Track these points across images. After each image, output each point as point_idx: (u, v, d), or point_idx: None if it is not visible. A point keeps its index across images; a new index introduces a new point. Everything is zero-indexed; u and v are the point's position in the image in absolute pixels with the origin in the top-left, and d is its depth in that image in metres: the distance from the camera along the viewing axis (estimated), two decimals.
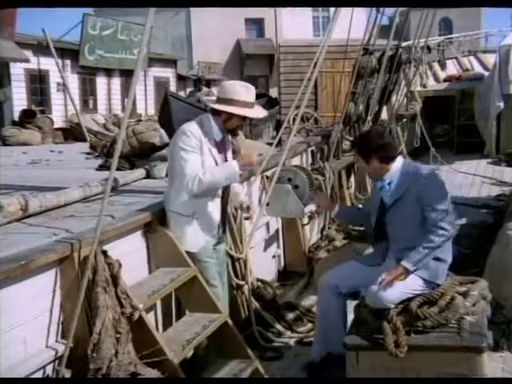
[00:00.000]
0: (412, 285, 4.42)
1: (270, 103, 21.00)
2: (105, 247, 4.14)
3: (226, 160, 4.84)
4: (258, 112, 4.90)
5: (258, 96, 23.42)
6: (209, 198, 4.80)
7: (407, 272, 4.39)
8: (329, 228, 8.55)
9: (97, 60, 21.42)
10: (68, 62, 20.61)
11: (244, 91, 4.71)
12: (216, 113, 4.74)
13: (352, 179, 10.55)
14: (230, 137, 4.98)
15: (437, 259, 4.49)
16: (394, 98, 13.17)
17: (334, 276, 4.84)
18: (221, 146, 4.81)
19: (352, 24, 9.35)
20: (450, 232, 4.45)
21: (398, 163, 4.67)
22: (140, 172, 7.37)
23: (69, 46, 20.55)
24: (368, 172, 4.99)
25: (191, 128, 4.67)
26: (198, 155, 4.62)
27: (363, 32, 10.84)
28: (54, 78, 19.72)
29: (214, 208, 4.86)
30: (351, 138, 9.83)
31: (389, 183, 4.65)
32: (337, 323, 4.84)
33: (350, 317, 4.69)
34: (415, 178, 4.56)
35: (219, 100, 4.73)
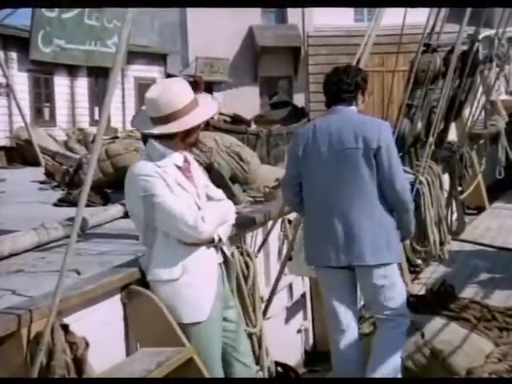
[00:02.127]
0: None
1: (294, 115, 21.10)
2: (66, 319, 4.12)
3: (195, 185, 4.91)
4: (212, 106, 5.02)
5: (278, 105, 23.60)
6: (199, 248, 4.82)
7: None
8: None
9: (55, 53, 21.60)
10: (14, 54, 20.73)
11: (181, 92, 4.82)
12: (162, 136, 4.80)
13: None
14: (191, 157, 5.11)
15: None
16: (466, 112, 13.14)
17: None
18: (186, 171, 4.91)
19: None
20: None
21: None
22: (116, 209, 7.40)
23: (14, 33, 20.68)
24: None
25: (141, 170, 4.73)
26: (173, 195, 4.69)
27: (425, 15, 10.82)
28: None
29: (210, 257, 4.89)
30: (408, 170, 9.57)
31: None
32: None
33: None
34: None
35: (159, 120, 4.77)
